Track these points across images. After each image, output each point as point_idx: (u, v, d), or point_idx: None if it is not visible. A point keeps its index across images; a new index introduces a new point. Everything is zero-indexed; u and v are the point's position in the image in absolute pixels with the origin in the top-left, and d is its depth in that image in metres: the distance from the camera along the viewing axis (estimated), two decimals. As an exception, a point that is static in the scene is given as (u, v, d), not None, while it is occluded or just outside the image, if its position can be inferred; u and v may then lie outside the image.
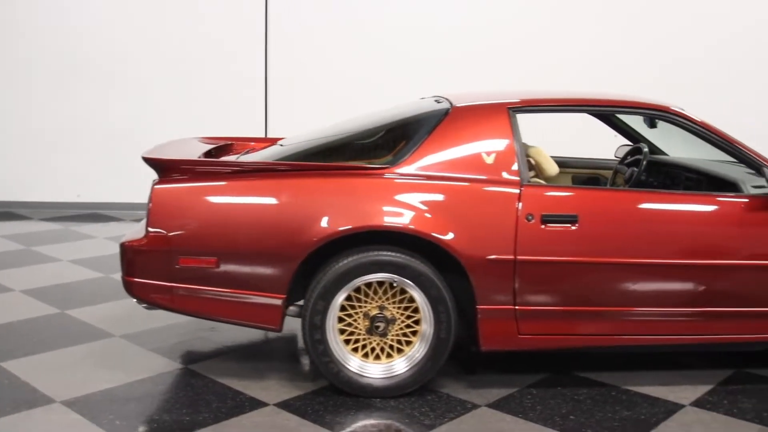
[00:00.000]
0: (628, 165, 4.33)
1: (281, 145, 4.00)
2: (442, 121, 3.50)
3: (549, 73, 7.13)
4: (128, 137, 7.17)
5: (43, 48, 7.37)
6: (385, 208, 3.31)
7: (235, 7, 7.38)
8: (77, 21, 7.36)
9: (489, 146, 3.45)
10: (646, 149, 4.16)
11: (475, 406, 3.38)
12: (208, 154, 3.94)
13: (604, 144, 4.81)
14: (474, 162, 3.42)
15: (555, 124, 5.95)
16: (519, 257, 3.33)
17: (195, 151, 3.82)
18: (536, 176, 3.77)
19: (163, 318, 4.22)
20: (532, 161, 3.76)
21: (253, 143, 4.46)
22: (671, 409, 3.39)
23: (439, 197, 3.36)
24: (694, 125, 3.62)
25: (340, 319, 3.39)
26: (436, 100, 3.78)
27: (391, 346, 3.43)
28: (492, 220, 3.34)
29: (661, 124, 3.87)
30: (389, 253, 3.31)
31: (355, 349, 3.42)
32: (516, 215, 3.33)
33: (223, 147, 4.27)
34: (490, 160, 3.42)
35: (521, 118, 3.62)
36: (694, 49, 7.24)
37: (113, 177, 7.30)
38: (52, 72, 7.40)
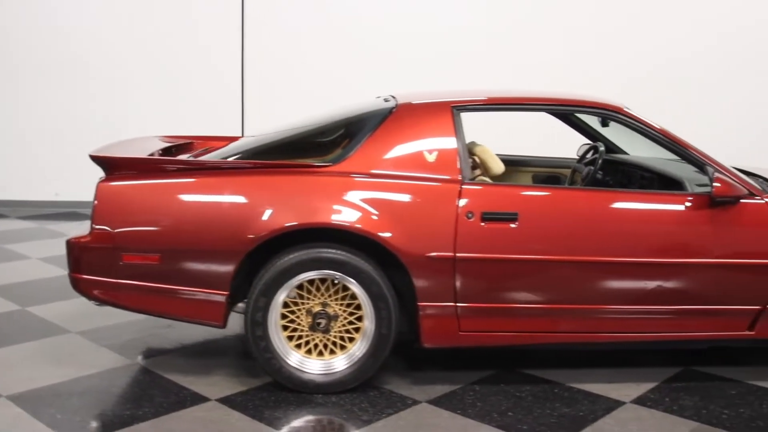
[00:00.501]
0: (586, 164, 4.36)
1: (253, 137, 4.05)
2: (386, 120, 3.53)
3: (538, 73, 7.15)
4: (107, 136, 7.17)
5: (21, 47, 7.42)
6: (326, 206, 3.34)
7: (212, 4, 7.41)
8: (58, 20, 7.41)
9: (431, 144, 3.47)
10: (602, 148, 4.18)
11: (415, 402, 3.40)
12: (167, 152, 3.99)
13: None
14: (416, 160, 3.45)
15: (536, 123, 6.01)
16: (459, 254, 3.36)
17: (149, 150, 3.85)
18: (483, 174, 3.79)
19: (121, 315, 4.23)
20: (478, 160, 3.78)
21: (213, 142, 4.49)
22: (611, 406, 3.41)
23: (380, 195, 3.38)
24: (641, 125, 3.64)
25: (284, 316, 3.42)
26: (385, 99, 3.81)
27: (334, 343, 3.46)
28: (432, 218, 3.37)
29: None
30: (330, 250, 3.34)
31: (299, 345, 3.45)
32: (456, 213, 3.36)
33: (182, 145, 4.31)
34: (431, 158, 3.45)
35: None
36: (690, 49, 7.25)
37: (91, 175, 7.31)
38: (30, 71, 7.45)
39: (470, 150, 3.82)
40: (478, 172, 3.74)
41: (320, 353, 3.46)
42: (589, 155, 4.44)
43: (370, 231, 3.31)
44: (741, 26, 7.30)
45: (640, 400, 3.48)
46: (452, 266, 3.37)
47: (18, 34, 7.40)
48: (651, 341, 3.64)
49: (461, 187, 3.40)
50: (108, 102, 7.45)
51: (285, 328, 3.43)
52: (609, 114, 3.65)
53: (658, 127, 3.65)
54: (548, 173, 4.82)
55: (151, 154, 3.75)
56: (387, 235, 3.32)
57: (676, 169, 3.84)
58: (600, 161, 4.11)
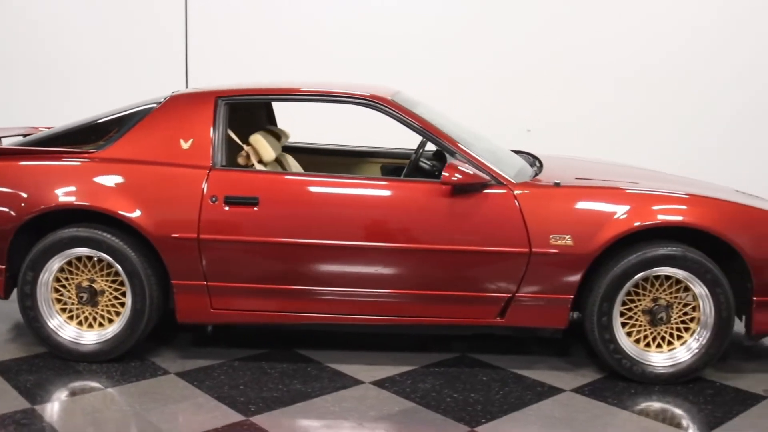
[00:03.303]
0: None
1: None
2: (155, 110, 3.79)
3: (523, 72, 7.14)
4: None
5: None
6: (82, 189, 3.62)
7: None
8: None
9: (188, 133, 3.70)
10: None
11: (165, 373, 3.65)
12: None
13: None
14: (172, 147, 3.69)
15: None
16: (202, 236, 3.57)
17: None
18: (259, 162, 3.95)
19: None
20: (248, 148, 3.94)
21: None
22: (347, 384, 3.55)
23: (134, 179, 3.64)
24: (402, 116, 3.73)
25: (57, 289, 3.73)
26: (173, 92, 4.05)
27: (103, 317, 3.74)
28: (178, 201, 3.60)
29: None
30: (87, 229, 3.62)
31: (72, 317, 3.75)
32: (201, 197, 3.58)
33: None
34: (186, 145, 3.68)
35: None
36: (665, 49, 7.08)
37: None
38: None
39: (246, 139, 4.00)
40: (254, 159, 3.91)
41: (90, 325, 3.76)
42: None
43: (117, 212, 3.57)
44: (715, 23, 7.05)
45: (380, 382, 3.59)
46: (198, 247, 3.58)
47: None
48: (405, 325, 3.74)
49: (209, 173, 3.61)
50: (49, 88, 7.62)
51: (59, 300, 3.74)
52: (368, 103, 3.75)
53: (420, 117, 3.73)
54: (396, 164, 4.93)
55: None
56: (135, 216, 3.57)
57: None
58: (421, 151, 4.22)
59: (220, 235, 3.58)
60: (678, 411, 3.38)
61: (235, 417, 3.21)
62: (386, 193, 3.63)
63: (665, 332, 3.66)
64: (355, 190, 3.65)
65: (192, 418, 3.20)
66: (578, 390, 3.55)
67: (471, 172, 3.50)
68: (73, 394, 3.43)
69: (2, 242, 3.67)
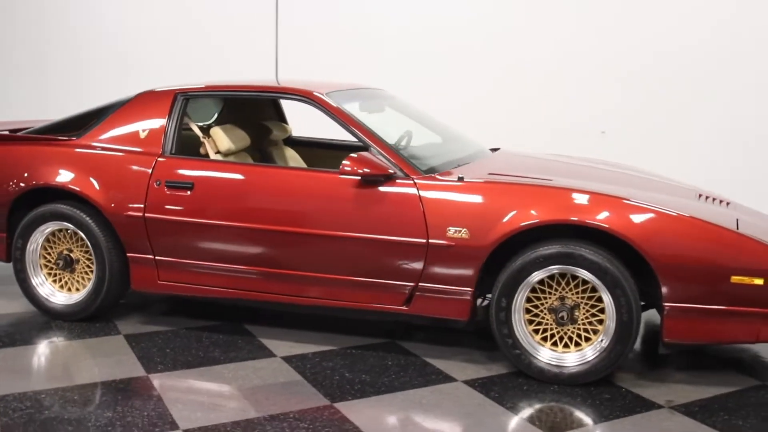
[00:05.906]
0: None
1: None
2: (125, 104, 4.32)
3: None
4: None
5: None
6: (58, 171, 4.22)
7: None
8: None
9: (146, 125, 4.20)
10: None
11: (117, 334, 4.16)
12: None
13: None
14: (132, 137, 4.20)
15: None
16: (147, 215, 4.04)
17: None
18: (216, 152, 4.34)
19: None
20: (205, 139, 4.34)
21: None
22: (258, 356, 3.86)
23: (99, 163, 4.19)
24: (324, 108, 3.98)
25: (44, 256, 4.37)
26: None
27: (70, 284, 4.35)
28: (130, 183, 4.10)
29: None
30: (61, 205, 4.22)
31: (55, 281, 4.38)
32: (148, 180, 4.06)
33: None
34: (143, 135, 4.18)
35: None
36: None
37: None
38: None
39: (208, 131, 4.41)
40: (211, 150, 4.32)
41: (69, 290, 4.36)
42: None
43: (82, 191, 4.14)
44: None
45: (291, 357, 3.85)
46: (144, 224, 4.06)
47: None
48: (317, 306, 3.96)
49: (156, 160, 4.08)
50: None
51: (46, 265, 4.38)
52: (298, 98, 4.04)
53: (343, 113, 3.94)
54: None
55: None
56: (95, 195, 4.12)
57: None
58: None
59: (161, 215, 4.03)
60: (549, 411, 3.34)
61: (138, 373, 3.64)
62: (301, 182, 3.90)
63: (573, 332, 3.61)
64: (274, 178, 3.95)
65: (103, 370, 3.66)
66: (470, 382, 3.60)
67: (377, 163, 3.69)
68: (28, 343, 4.02)
69: (1, 215, 4.36)
